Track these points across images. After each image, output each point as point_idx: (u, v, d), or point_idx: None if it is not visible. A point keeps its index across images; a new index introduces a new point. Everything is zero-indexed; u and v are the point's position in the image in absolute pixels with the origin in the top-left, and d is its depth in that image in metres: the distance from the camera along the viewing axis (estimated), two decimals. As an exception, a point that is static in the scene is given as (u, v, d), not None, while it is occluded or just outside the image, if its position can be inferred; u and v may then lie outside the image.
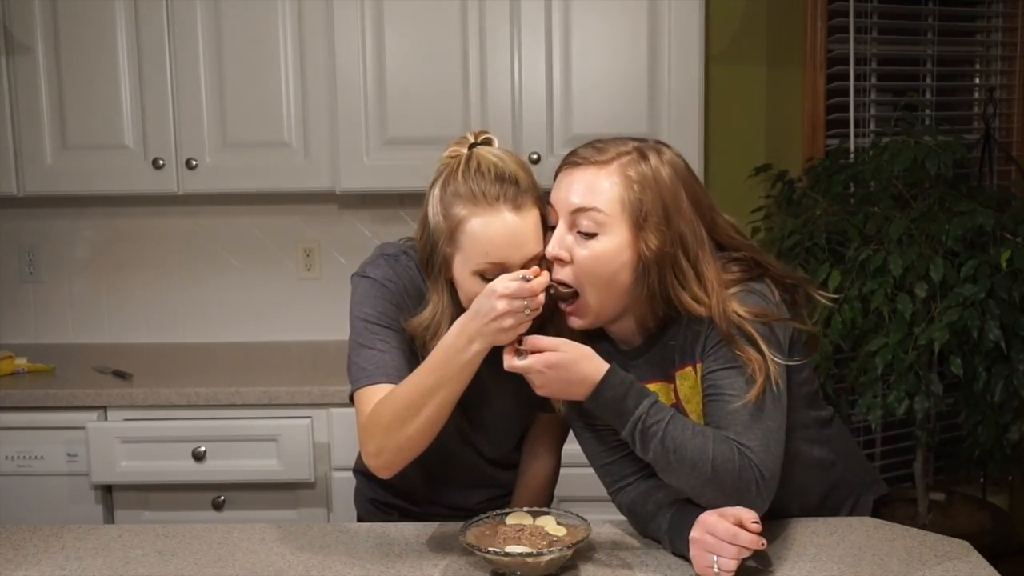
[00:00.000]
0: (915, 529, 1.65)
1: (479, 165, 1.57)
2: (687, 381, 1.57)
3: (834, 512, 1.72)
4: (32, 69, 2.84)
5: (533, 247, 1.57)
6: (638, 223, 1.49)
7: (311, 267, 3.22)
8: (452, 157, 1.62)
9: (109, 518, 2.68)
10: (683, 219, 1.50)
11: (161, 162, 2.85)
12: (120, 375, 2.78)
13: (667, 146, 1.57)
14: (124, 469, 2.59)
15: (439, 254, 1.61)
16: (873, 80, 3.24)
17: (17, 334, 3.25)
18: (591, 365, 1.48)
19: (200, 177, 2.87)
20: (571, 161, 1.55)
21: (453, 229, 1.57)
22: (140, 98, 2.85)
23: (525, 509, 1.62)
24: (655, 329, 1.57)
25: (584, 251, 1.51)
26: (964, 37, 3.38)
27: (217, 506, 2.66)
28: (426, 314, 1.65)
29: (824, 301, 1.62)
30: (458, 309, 1.62)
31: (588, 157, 1.53)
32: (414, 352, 1.68)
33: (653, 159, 1.52)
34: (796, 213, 2.82)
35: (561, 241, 1.53)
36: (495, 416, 1.80)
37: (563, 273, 1.53)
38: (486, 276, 1.56)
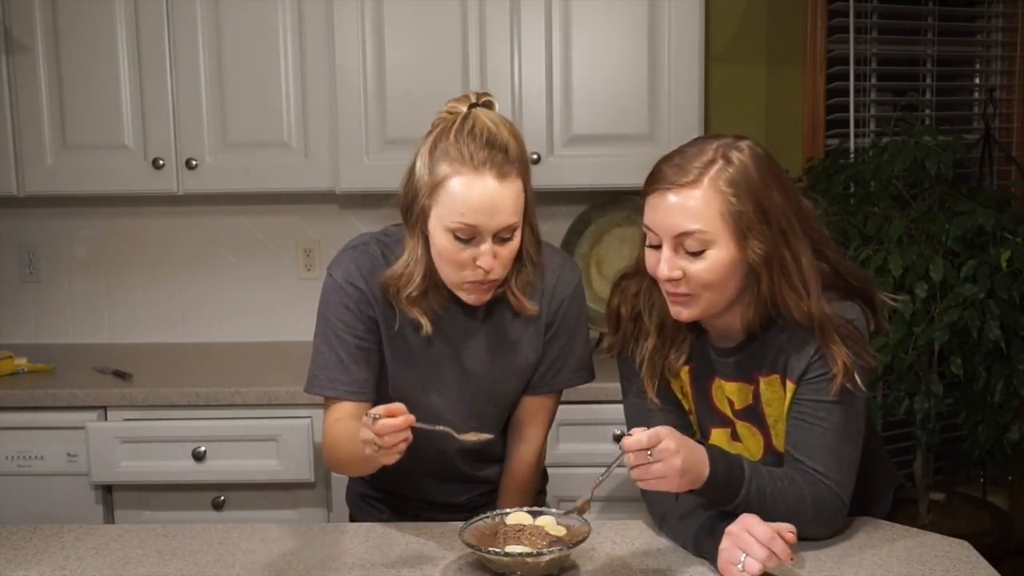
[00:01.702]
0: (915, 529, 1.65)
1: (473, 126, 1.59)
2: (772, 387, 1.59)
3: (858, 499, 1.69)
4: (32, 69, 2.84)
5: (508, 217, 1.60)
6: (742, 232, 1.48)
7: (311, 267, 3.21)
8: (450, 113, 1.64)
9: (109, 518, 2.67)
10: (777, 211, 1.50)
11: (161, 162, 2.85)
12: (120, 375, 2.78)
13: (741, 138, 1.56)
14: (124, 469, 2.59)
15: (418, 204, 1.63)
16: (873, 80, 3.24)
17: (17, 334, 3.25)
18: (692, 441, 1.48)
19: (200, 177, 2.87)
20: (661, 186, 1.51)
21: (435, 184, 1.60)
22: (140, 98, 2.85)
23: (525, 509, 1.62)
24: (757, 331, 1.58)
25: (695, 266, 1.50)
26: (964, 37, 3.38)
27: (217, 506, 2.66)
28: (399, 264, 1.68)
29: (892, 303, 1.64)
30: (430, 262, 1.66)
31: (676, 180, 1.49)
32: (379, 351, 1.74)
33: (736, 158, 1.50)
34: (796, 213, 2.82)
35: (671, 262, 1.51)
36: (479, 401, 1.80)
37: (680, 287, 1.53)
38: (458, 235, 1.59)
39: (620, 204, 3.02)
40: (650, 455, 1.41)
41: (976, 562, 1.52)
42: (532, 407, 1.84)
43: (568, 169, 2.80)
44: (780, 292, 1.51)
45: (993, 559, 1.55)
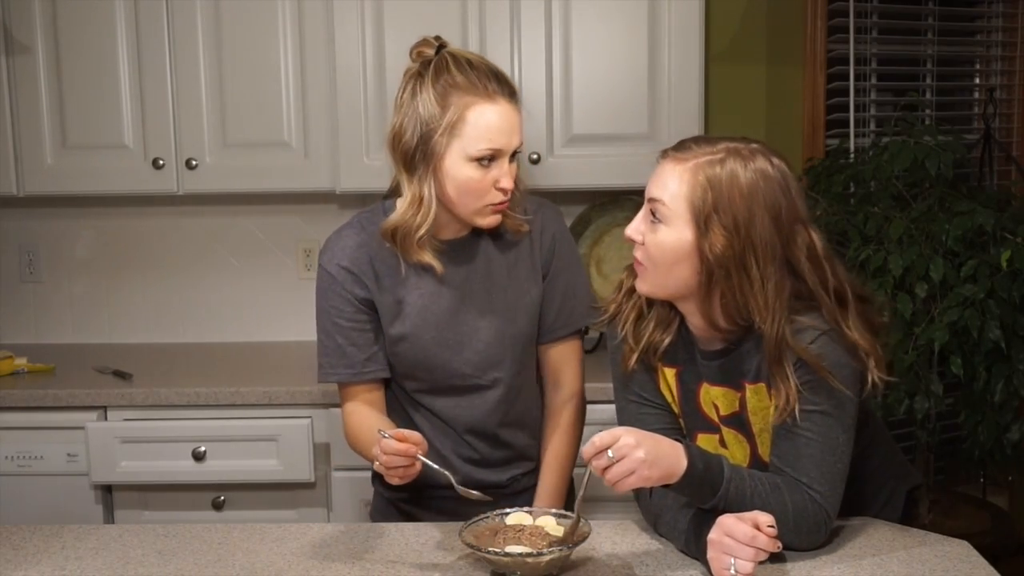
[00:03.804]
0: (915, 529, 1.65)
1: (469, 61, 1.69)
2: (758, 395, 1.58)
3: (866, 502, 1.71)
4: (32, 69, 2.84)
5: (521, 136, 1.74)
6: (699, 224, 1.49)
7: (311, 267, 3.21)
8: (421, 56, 1.72)
9: (109, 518, 2.68)
10: (756, 231, 1.48)
11: (161, 162, 2.85)
12: (120, 375, 2.78)
13: (765, 153, 1.52)
14: (124, 469, 2.59)
15: (431, 146, 1.69)
16: (873, 80, 3.24)
17: (17, 334, 3.24)
18: (662, 436, 1.49)
19: (200, 177, 2.87)
20: (666, 154, 1.57)
21: (455, 119, 1.67)
22: (140, 98, 2.85)
23: (525, 509, 1.62)
24: (730, 335, 1.57)
25: (651, 236, 1.54)
26: (964, 37, 3.38)
27: (217, 506, 2.66)
28: (402, 212, 1.73)
29: (883, 320, 1.61)
30: (438, 205, 1.72)
31: (677, 153, 1.54)
32: (378, 327, 1.79)
33: (733, 165, 1.49)
34: (796, 213, 2.82)
35: (636, 224, 1.57)
36: (494, 350, 1.82)
37: (637, 252, 1.57)
38: (483, 161, 1.68)
39: (620, 204, 3.02)
40: (611, 455, 1.43)
41: (976, 562, 1.52)
42: (560, 354, 1.89)
43: (568, 169, 2.79)
44: (742, 300, 1.50)
45: (993, 559, 1.55)
